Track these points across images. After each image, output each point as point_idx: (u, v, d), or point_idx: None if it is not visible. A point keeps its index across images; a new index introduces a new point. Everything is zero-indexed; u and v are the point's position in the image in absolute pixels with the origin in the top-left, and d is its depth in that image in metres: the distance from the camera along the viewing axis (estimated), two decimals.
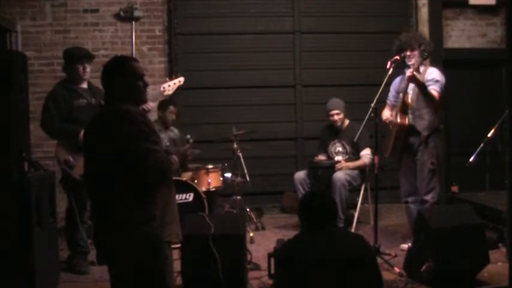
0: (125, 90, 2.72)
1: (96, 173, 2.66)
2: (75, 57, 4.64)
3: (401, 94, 4.78)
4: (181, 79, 4.90)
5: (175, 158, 2.78)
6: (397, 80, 5.00)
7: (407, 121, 4.75)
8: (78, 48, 5.03)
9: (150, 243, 2.61)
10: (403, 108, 4.73)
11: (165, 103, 5.79)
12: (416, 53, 4.71)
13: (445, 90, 4.80)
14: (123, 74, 2.73)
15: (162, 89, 4.86)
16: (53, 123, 4.60)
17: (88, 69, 4.69)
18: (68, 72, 4.71)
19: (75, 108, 4.58)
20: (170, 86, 4.85)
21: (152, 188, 2.62)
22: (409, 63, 4.74)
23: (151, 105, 4.92)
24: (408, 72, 4.54)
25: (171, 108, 5.81)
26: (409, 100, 4.72)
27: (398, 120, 4.76)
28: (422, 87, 4.58)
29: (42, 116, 4.70)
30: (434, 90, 4.64)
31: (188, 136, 6.06)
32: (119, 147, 2.56)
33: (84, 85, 4.73)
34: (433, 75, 4.70)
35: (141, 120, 2.62)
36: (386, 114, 5.01)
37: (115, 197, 2.60)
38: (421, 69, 4.74)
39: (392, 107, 5.03)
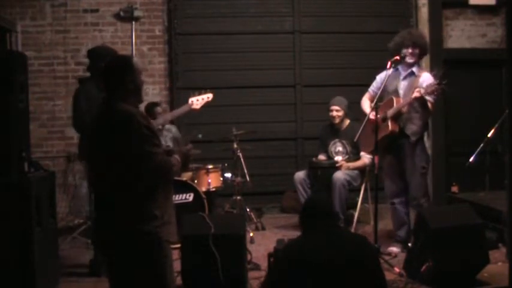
0: (132, 89, 2.75)
1: (99, 172, 2.69)
2: (104, 56, 4.34)
3: (393, 98, 4.69)
4: (210, 95, 4.86)
5: (177, 158, 2.81)
6: (387, 74, 4.74)
7: (398, 128, 4.69)
8: (105, 47, 4.92)
9: (151, 242, 2.63)
10: (397, 115, 4.66)
11: (149, 106, 5.77)
12: (418, 50, 4.68)
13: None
14: (134, 72, 2.76)
15: (190, 102, 4.83)
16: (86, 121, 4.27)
17: None
18: (95, 71, 4.45)
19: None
20: (199, 101, 4.84)
21: (153, 188, 2.65)
22: (410, 61, 4.70)
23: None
24: (416, 93, 4.45)
25: (158, 109, 5.80)
26: (405, 109, 4.64)
27: (390, 127, 4.67)
28: (423, 105, 4.54)
29: (73, 114, 4.52)
30: (429, 103, 4.59)
31: (200, 135, 6.04)
32: (123, 149, 2.59)
33: None
34: (429, 83, 4.56)
35: (144, 123, 2.64)
36: (367, 106, 4.90)
37: (117, 196, 2.63)
38: (416, 70, 4.71)
39: (373, 98, 4.84)
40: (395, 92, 4.74)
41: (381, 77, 4.93)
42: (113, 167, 2.61)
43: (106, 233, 2.68)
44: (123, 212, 2.62)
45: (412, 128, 4.69)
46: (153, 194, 2.65)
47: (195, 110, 4.92)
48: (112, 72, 2.76)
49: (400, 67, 4.82)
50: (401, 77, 4.78)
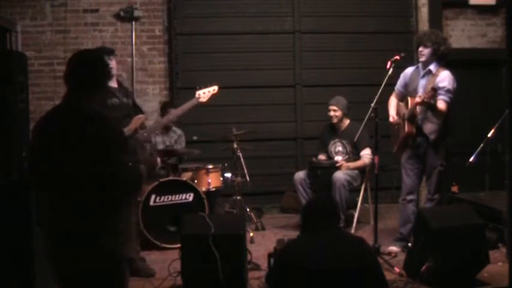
0: (103, 87, 2.66)
1: (66, 177, 2.42)
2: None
3: (409, 99, 4.73)
4: (216, 88, 4.88)
5: (143, 167, 2.65)
6: (409, 71, 4.92)
7: (414, 130, 4.72)
8: (100, 47, 4.89)
9: (112, 260, 2.47)
10: (411, 117, 4.69)
11: (165, 105, 5.76)
12: (428, 50, 4.68)
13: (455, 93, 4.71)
14: (108, 71, 2.69)
15: (197, 95, 4.83)
16: None
17: (112, 64, 4.32)
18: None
19: (109, 108, 4.16)
20: (205, 94, 4.83)
21: (120, 201, 2.48)
22: (420, 59, 4.75)
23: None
24: (417, 98, 4.50)
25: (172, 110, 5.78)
26: (418, 110, 4.66)
27: (406, 129, 4.72)
28: (431, 108, 4.56)
29: None
30: (443, 101, 4.58)
31: (195, 137, 6.04)
32: (97, 155, 2.39)
33: (114, 84, 4.43)
34: (444, 82, 4.60)
35: (119, 129, 2.55)
36: (393, 109, 4.93)
37: (82, 208, 2.41)
38: (434, 69, 4.71)
39: (400, 96, 4.97)
40: (415, 91, 4.76)
41: (403, 75, 4.96)
42: (81, 175, 2.38)
43: (64, 246, 2.44)
44: (85, 224, 2.40)
45: (429, 127, 4.69)
46: (119, 207, 2.47)
47: (202, 103, 4.91)
48: (95, 67, 2.58)
49: (420, 66, 4.84)
50: (420, 76, 4.80)
